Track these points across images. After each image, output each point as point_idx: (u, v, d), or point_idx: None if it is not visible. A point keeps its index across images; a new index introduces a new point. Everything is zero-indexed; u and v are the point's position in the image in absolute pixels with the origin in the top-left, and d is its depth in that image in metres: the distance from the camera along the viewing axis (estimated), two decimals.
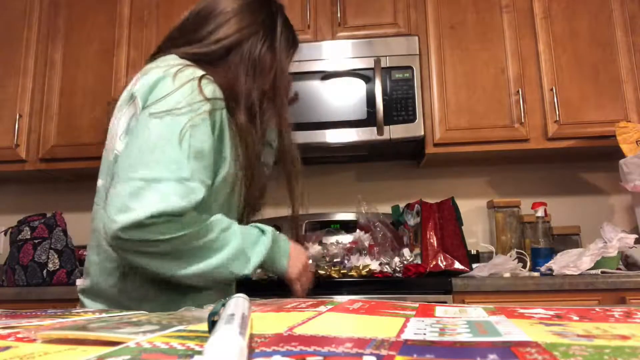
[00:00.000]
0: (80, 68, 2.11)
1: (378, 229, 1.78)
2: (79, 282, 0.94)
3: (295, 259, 0.89)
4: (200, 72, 0.83)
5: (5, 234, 2.01)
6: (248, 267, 0.80)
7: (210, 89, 0.82)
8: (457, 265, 1.66)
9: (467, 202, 2.15)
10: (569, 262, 1.61)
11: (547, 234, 1.83)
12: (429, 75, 1.98)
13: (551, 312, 0.43)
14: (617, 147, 1.77)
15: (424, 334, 0.33)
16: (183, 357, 0.26)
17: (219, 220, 0.80)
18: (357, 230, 1.81)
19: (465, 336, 0.32)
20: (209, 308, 0.45)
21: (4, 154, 2.06)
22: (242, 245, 0.80)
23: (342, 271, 1.61)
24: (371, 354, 0.26)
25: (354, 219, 2.01)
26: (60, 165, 2.08)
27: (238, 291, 0.94)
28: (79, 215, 2.30)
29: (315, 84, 1.93)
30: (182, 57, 0.88)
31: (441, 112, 1.94)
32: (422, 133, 1.88)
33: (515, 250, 1.78)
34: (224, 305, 0.35)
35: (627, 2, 1.95)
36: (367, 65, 1.93)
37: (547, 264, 1.68)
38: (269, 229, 0.87)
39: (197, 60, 0.88)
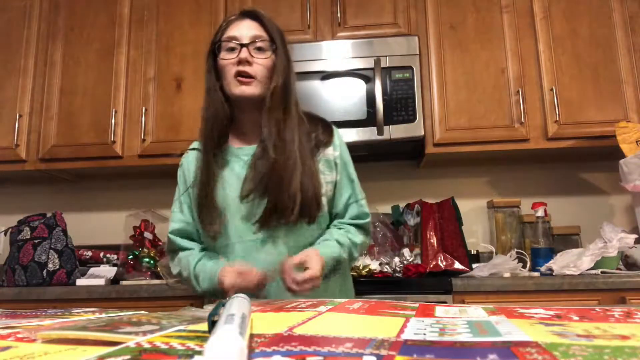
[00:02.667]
0: (80, 68, 2.11)
1: (378, 229, 1.78)
2: None
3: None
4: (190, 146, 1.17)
5: (5, 234, 2.01)
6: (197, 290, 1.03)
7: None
8: (457, 265, 1.66)
9: (467, 202, 2.15)
10: (569, 262, 1.61)
11: (547, 234, 1.83)
12: (429, 75, 1.98)
13: (551, 312, 0.43)
14: (617, 147, 1.77)
15: (424, 334, 0.33)
16: (183, 357, 0.26)
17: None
18: None
19: (465, 336, 0.32)
20: (208, 308, 0.45)
21: (4, 154, 2.06)
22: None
23: None
24: (371, 354, 0.26)
25: None
26: (60, 165, 2.08)
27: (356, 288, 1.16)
28: (79, 215, 2.30)
29: (315, 84, 1.94)
30: None
31: (441, 112, 1.94)
32: (422, 133, 1.88)
33: (515, 250, 1.78)
34: (224, 305, 0.35)
35: (627, 2, 1.95)
36: (367, 65, 1.93)
37: (547, 264, 1.68)
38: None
39: None
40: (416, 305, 0.51)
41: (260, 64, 1.01)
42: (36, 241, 1.80)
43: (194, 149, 1.12)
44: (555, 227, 1.97)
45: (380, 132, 1.86)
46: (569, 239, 1.96)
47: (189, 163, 1.10)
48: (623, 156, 1.75)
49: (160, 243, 1.96)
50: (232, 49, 1.02)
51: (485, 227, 2.18)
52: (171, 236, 1.07)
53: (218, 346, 0.22)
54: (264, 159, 0.99)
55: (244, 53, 1.00)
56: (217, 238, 1.01)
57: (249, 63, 1.00)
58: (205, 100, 1.06)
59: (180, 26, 2.09)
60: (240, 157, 1.05)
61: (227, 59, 1.02)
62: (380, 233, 1.77)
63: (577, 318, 0.39)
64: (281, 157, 0.98)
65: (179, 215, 1.08)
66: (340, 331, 0.34)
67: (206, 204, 1.01)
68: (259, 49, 1.02)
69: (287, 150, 0.99)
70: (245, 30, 1.03)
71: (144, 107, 2.05)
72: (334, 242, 1.01)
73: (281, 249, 1.00)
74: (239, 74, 1.00)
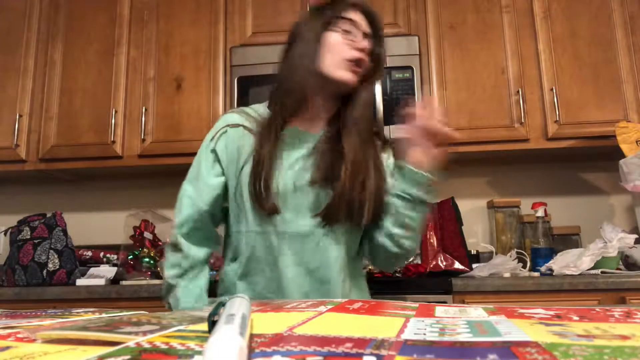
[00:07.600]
0: (80, 68, 2.11)
1: None
2: None
3: None
4: (227, 122, 1.00)
5: (5, 234, 2.01)
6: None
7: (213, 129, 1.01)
8: (457, 265, 1.66)
9: (467, 202, 2.15)
10: (569, 262, 1.61)
11: (547, 234, 1.83)
12: (429, 75, 1.98)
13: (551, 312, 0.43)
14: (617, 147, 1.76)
15: (424, 334, 0.33)
16: (183, 357, 0.26)
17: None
18: None
19: (465, 336, 0.32)
20: (209, 308, 0.45)
21: (4, 154, 2.06)
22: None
23: None
24: (371, 354, 0.26)
25: None
26: (60, 165, 2.08)
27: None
28: (79, 215, 2.30)
29: None
30: None
31: None
32: None
33: (515, 250, 1.78)
34: (224, 305, 0.35)
35: (627, 2, 1.95)
36: None
37: (547, 264, 1.67)
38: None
39: None
40: (416, 305, 0.51)
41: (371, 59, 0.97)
42: (36, 241, 1.80)
43: (236, 125, 0.99)
44: (555, 227, 1.97)
45: None
46: (569, 239, 1.96)
47: (232, 141, 0.97)
48: (623, 156, 1.75)
49: (160, 243, 1.96)
50: (348, 32, 0.94)
51: (485, 227, 2.18)
52: (180, 238, 0.96)
53: (218, 346, 0.22)
54: (333, 149, 0.93)
55: (369, 43, 0.95)
56: (274, 214, 0.90)
57: (367, 54, 0.95)
58: (291, 67, 0.95)
59: (180, 26, 2.09)
60: (303, 142, 0.96)
61: (346, 38, 0.94)
62: None
63: (577, 318, 0.39)
64: (355, 153, 0.92)
65: (193, 196, 0.96)
66: (340, 331, 0.34)
67: (266, 179, 0.89)
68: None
69: (363, 147, 0.94)
70: (365, 22, 0.97)
71: (144, 107, 2.04)
72: None
73: (329, 248, 0.91)
74: (356, 61, 0.94)
